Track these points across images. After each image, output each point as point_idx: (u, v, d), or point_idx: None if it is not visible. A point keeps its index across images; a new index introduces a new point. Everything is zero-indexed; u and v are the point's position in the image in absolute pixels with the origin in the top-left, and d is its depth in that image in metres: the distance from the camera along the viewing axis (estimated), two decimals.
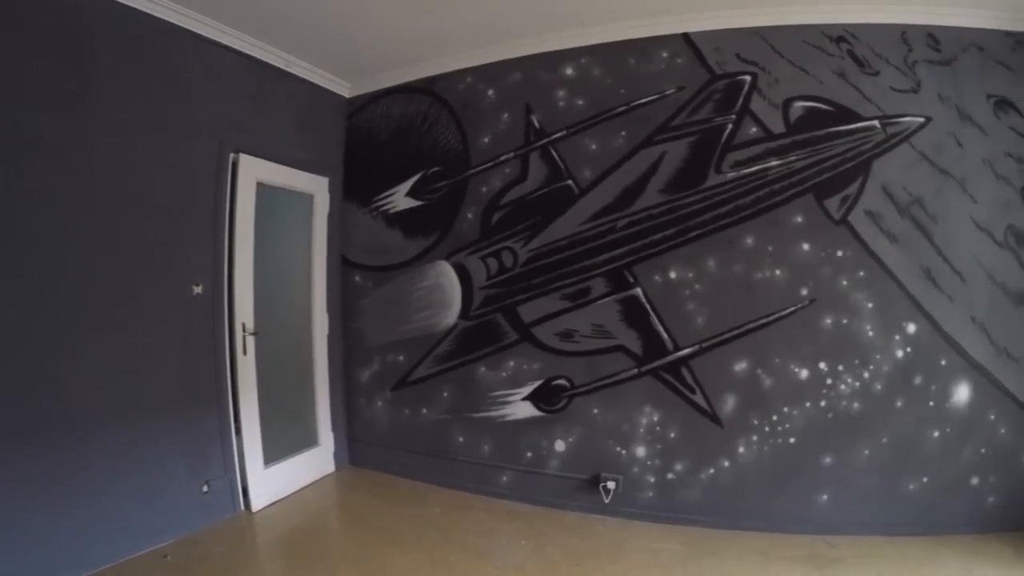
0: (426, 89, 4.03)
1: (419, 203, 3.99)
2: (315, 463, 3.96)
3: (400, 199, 4.05)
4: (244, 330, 3.38)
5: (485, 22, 3.44)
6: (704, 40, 3.37)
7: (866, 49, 3.22)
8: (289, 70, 3.83)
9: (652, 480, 3.42)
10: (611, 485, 3.43)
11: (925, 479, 3.16)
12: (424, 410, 3.95)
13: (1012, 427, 3.13)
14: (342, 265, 4.25)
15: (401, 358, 4.02)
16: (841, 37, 3.24)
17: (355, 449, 4.23)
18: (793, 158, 3.23)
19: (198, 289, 3.20)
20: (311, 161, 4.02)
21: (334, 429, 4.14)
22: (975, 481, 3.15)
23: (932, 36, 3.21)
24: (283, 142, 3.80)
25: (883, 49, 3.22)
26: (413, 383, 3.98)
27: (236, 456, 3.36)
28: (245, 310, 3.42)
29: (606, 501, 3.44)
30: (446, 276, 3.87)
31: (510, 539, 3.13)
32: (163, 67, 3.07)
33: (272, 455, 3.58)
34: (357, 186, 4.25)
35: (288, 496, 3.61)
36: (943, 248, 3.15)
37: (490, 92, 3.81)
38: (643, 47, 3.47)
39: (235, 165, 3.40)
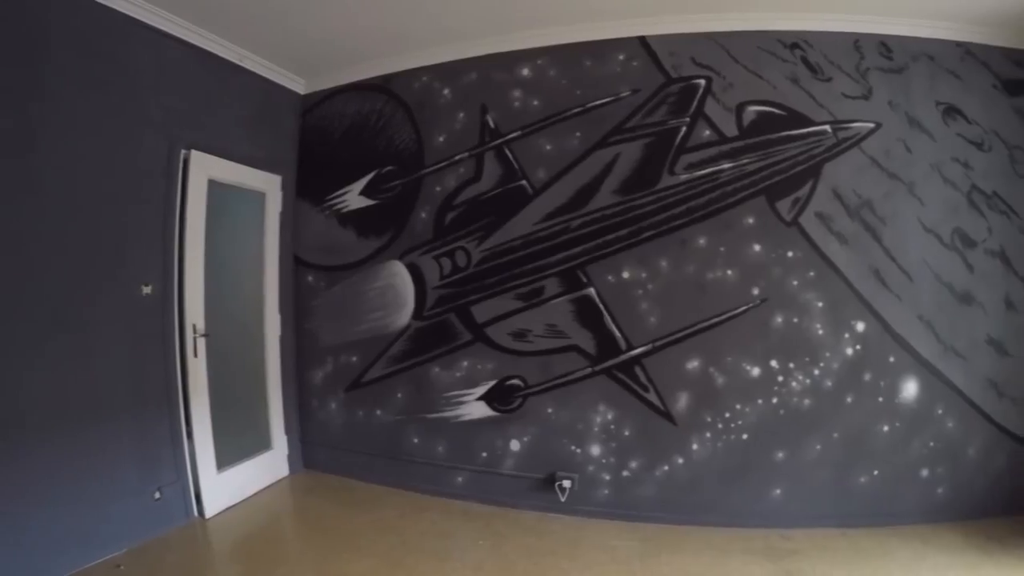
0: (381, 87, 3.96)
1: (372, 202, 3.92)
2: (269, 467, 3.86)
3: (353, 198, 3.98)
4: (195, 331, 3.28)
5: (442, 21, 3.39)
6: (660, 44, 3.41)
7: (819, 56, 3.32)
8: (243, 65, 3.70)
9: (608, 478, 3.43)
10: (567, 484, 3.43)
11: (876, 472, 3.26)
12: (378, 411, 3.88)
13: (959, 421, 3.27)
14: (294, 265, 4.13)
15: (354, 359, 3.95)
16: (795, 44, 3.33)
17: (309, 452, 4.13)
18: (746, 161, 3.31)
19: (147, 289, 3.08)
20: (264, 159, 3.89)
21: (287, 432, 4.03)
22: (925, 473, 3.28)
23: (884, 45, 3.34)
24: (235, 139, 3.67)
25: (836, 56, 3.32)
26: (367, 384, 3.91)
27: (188, 461, 3.24)
28: (196, 311, 3.31)
29: (562, 500, 3.44)
30: (399, 276, 3.81)
31: (467, 540, 3.10)
32: (113, 59, 2.91)
33: (225, 460, 3.46)
34: (310, 184, 4.13)
35: (242, 501, 3.50)
36: (891, 249, 3.27)
37: (446, 91, 3.78)
38: (599, 49, 3.48)
39: (186, 162, 3.28)
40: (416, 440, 3.79)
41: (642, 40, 3.43)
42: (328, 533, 3.15)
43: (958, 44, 3.38)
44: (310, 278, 4.10)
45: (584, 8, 3.30)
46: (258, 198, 3.95)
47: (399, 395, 3.82)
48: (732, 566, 2.84)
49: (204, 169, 3.41)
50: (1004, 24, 3.35)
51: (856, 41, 3.34)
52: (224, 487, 3.45)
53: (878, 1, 3.19)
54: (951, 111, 3.35)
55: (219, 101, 3.59)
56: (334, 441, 4.04)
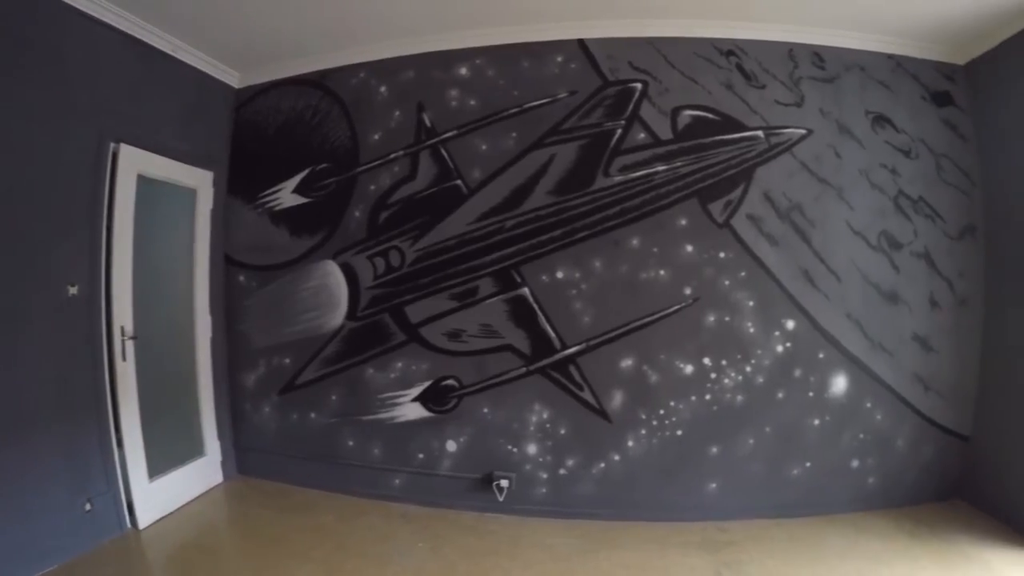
0: (318, 83, 3.96)
1: (306, 200, 3.94)
2: (202, 474, 3.83)
3: (287, 196, 3.99)
4: (123, 334, 3.24)
5: (381, 17, 3.42)
6: (599, 47, 3.55)
7: (754, 64, 3.53)
8: (176, 55, 3.64)
9: (545, 476, 3.55)
10: (504, 483, 3.54)
11: (808, 464, 3.51)
12: (312, 414, 3.90)
13: (887, 413, 3.55)
14: (225, 264, 4.10)
15: (287, 361, 3.96)
16: (731, 51, 3.53)
17: (243, 458, 4.11)
18: (679, 164, 3.49)
19: (73, 290, 3.01)
20: (195, 154, 3.85)
21: (220, 437, 4.01)
22: (855, 464, 3.55)
23: (818, 55, 3.57)
24: (167, 133, 3.62)
25: (770, 64, 3.53)
26: (300, 387, 3.92)
27: (119, 470, 3.18)
28: (124, 312, 3.27)
29: (500, 499, 3.55)
30: (333, 276, 3.83)
31: (407, 543, 3.16)
32: (40, 45, 2.81)
33: (157, 467, 3.42)
34: (243, 181, 4.10)
35: (176, 510, 3.46)
36: (820, 251, 3.51)
37: (382, 89, 3.83)
38: (538, 51, 3.59)
39: (115, 156, 3.21)
40: (352, 443, 3.83)
41: (581, 43, 3.57)
42: (265, 541, 3.16)
43: (889, 56, 3.64)
44: (242, 278, 4.11)
45: (524, 9, 3.40)
46: (189, 195, 3.91)
47: (333, 397, 3.86)
48: (671, 559, 3.01)
49: (133, 164, 3.36)
50: (934, 39, 3.61)
51: (790, 50, 3.57)
52: (157, 496, 3.42)
53: (813, 13, 3.39)
54: (880, 120, 3.62)
55: (151, 93, 3.53)
56: (268, 446, 4.04)
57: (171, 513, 3.46)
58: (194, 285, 3.96)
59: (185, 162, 3.80)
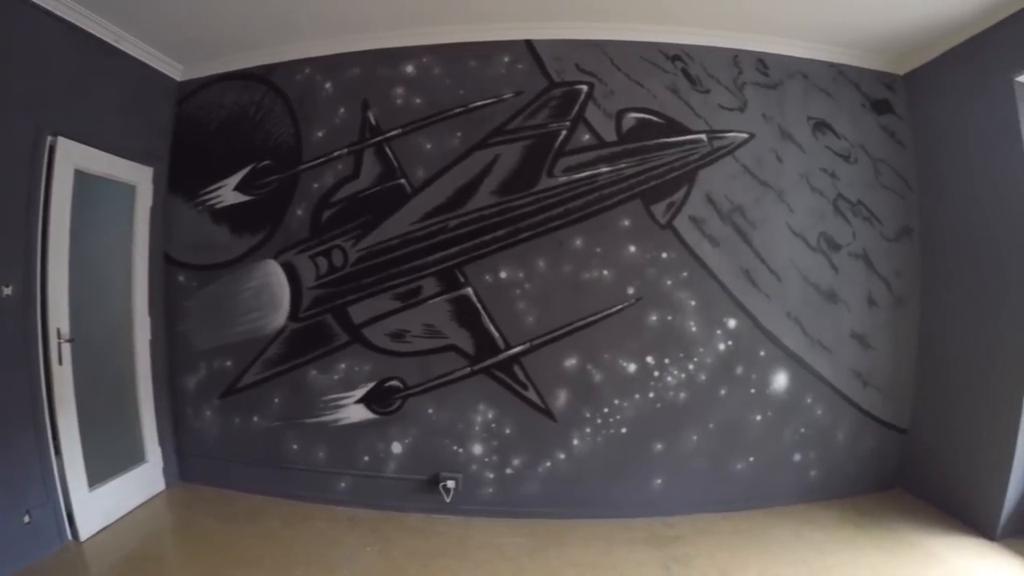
0: (262, 78, 4.00)
1: (248, 198, 3.97)
2: (144, 481, 3.82)
3: (228, 193, 4.02)
4: (59, 336, 3.21)
5: (328, 12, 3.49)
6: (546, 48, 3.69)
7: (699, 68, 3.72)
8: (118, 46, 3.61)
9: (491, 476, 3.67)
10: (451, 484, 3.64)
11: (751, 458, 3.73)
12: (255, 418, 3.94)
13: (827, 408, 3.81)
14: (165, 263, 4.12)
15: (229, 363, 4.00)
16: (677, 56, 3.72)
17: (185, 464, 4.12)
18: (623, 165, 3.67)
19: (7, 291, 2.98)
20: (135, 149, 3.84)
21: (161, 443, 4.00)
22: (797, 457, 3.80)
23: (762, 62, 3.79)
24: (106, 126, 3.59)
25: (715, 70, 3.73)
26: (242, 390, 3.96)
27: (58, 480, 3.14)
28: (60, 314, 3.23)
29: (447, 500, 3.65)
30: (274, 276, 3.88)
31: (355, 547, 3.21)
32: None
33: (97, 476, 3.39)
34: (183, 178, 4.11)
35: (118, 520, 3.45)
36: (761, 251, 3.73)
37: (328, 85, 3.89)
38: (485, 50, 3.70)
39: (52, 149, 3.18)
40: (296, 446, 3.90)
41: (528, 44, 3.71)
42: (211, 549, 3.17)
43: (831, 65, 3.90)
44: (181, 278, 4.12)
45: (472, 9, 3.50)
46: (128, 191, 3.90)
47: (276, 400, 3.90)
48: (619, 555, 3.14)
49: (71, 158, 3.32)
50: (875, 49, 3.87)
51: (735, 56, 3.78)
52: (98, 506, 3.38)
53: (758, 20, 3.58)
54: (821, 126, 3.87)
55: (91, 84, 3.48)
56: (211, 451, 4.07)
57: (113, 523, 3.45)
58: (133, 285, 3.95)
59: (124, 157, 3.80)
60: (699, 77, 3.74)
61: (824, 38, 3.77)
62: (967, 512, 3.44)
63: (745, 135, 3.76)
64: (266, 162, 3.97)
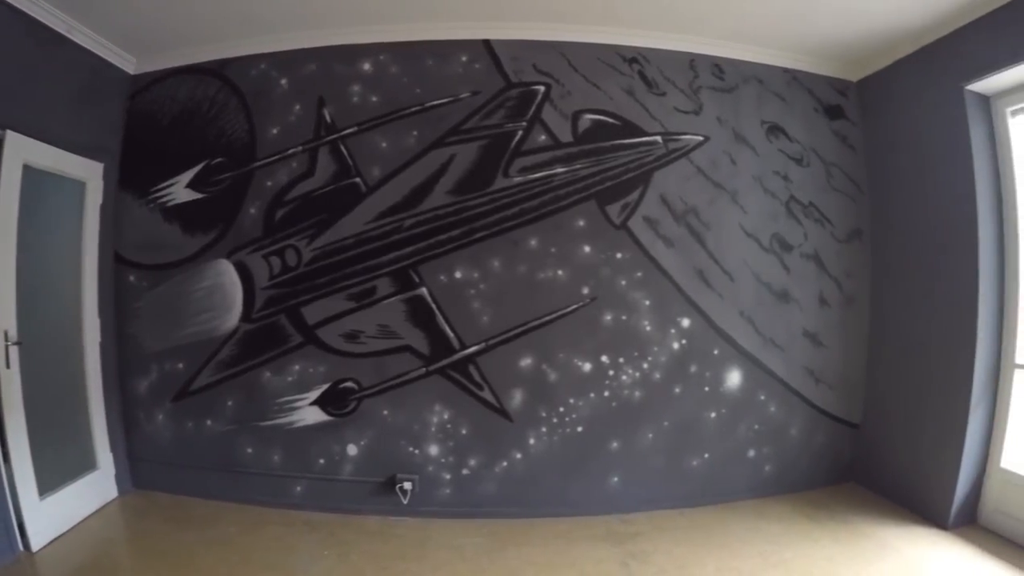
0: (217, 72, 3.97)
1: (200, 196, 3.94)
2: (96, 489, 3.76)
3: (180, 191, 3.99)
4: (6, 339, 3.14)
5: (285, 6, 3.49)
6: (504, 48, 3.74)
7: (656, 72, 3.83)
8: (70, 36, 3.54)
9: (448, 477, 3.71)
10: (408, 486, 3.67)
11: (706, 455, 3.85)
12: (208, 422, 3.91)
13: (780, 405, 3.95)
14: (115, 263, 4.07)
15: (181, 366, 3.95)
16: (634, 59, 3.81)
17: (138, 470, 4.07)
18: (579, 166, 3.74)
19: None
20: (86, 144, 3.77)
21: (113, 449, 3.94)
22: (752, 453, 3.93)
23: (718, 66, 3.91)
24: (56, 119, 3.52)
25: (672, 73, 3.84)
26: (195, 393, 3.92)
27: (7, 488, 3.07)
28: (7, 315, 3.17)
29: (404, 502, 3.68)
30: (227, 276, 3.86)
31: (312, 551, 3.21)
32: None
33: (47, 484, 3.32)
34: (135, 174, 4.06)
35: (71, 530, 3.38)
36: (715, 252, 3.85)
37: (283, 81, 3.89)
38: (443, 49, 3.74)
39: (0, 143, 3.12)
40: (250, 450, 3.88)
41: (486, 43, 3.76)
42: (166, 557, 3.12)
43: (786, 70, 4.05)
44: (132, 278, 4.07)
45: (431, 7, 3.54)
46: (78, 188, 3.83)
47: (230, 403, 3.88)
48: (578, 553, 3.19)
49: (19, 152, 3.25)
50: (829, 56, 4.02)
51: (692, 61, 3.90)
52: (49, 515, 3.30)
53: (715, 26, 3.69)
54: (775, 129, 4.01)
55: (42, 76, 3.40)
56: (164, 456, 4.02)
57: (66, 533, 3.37)
58: (82, 285, 3.88)
59: (75, 152, 3.71)
60: (655, 80, 3.84)
61: (779, 44, 3.90)
62: (919, 503, 3.59)
63: (700, 138, 3.88)
64: (219, 159, 3.95)
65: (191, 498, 3.91)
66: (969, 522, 3.36)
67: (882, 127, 4.05)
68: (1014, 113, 3.33)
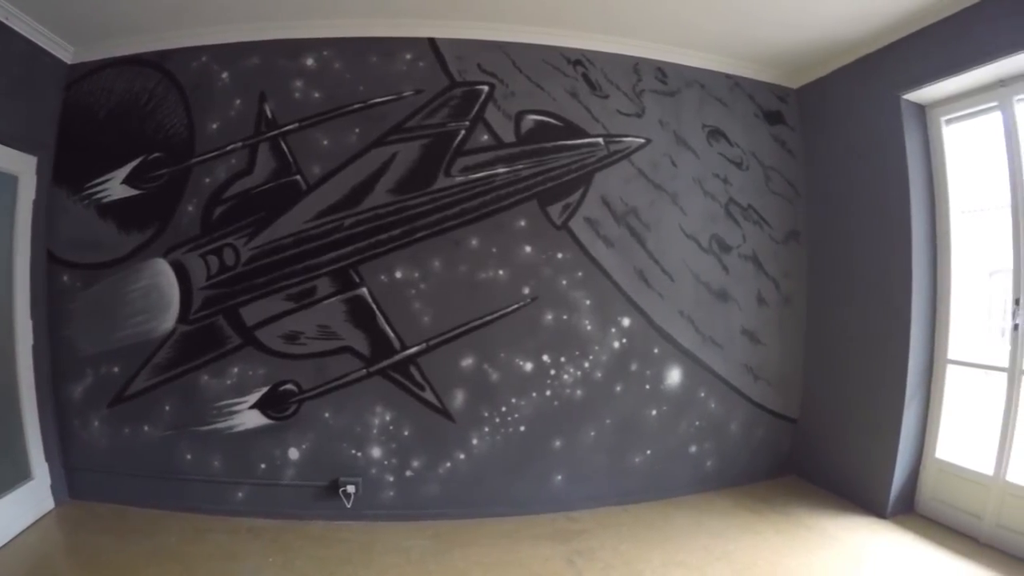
0: (156, 64, 3.64)
1: (137, 192, 3.62)
2: (31, 501, 3.40)
3: (116, 187, 3.65)
4: None
5: None
6: (449, 47, 3.52)
7: (599, 74, 3.66)
8: (7, 23, 3.23)
9: (391, 479, 3.47)
10: (351, 489, 3.42)
11: (649, 452, 3.71)
12: (146, 427, 3.59)
13: (720, 401, 3.84)
14: (48, 262, 3.71)
15: (116, 369, 3.62)
16: (578, 61, 3.63)
17: (75, 479, 3.70)
18: (520, 166, 3.54)
19: None
20: (19, 136, 3.41)
21: (48, 458, 3.57)
22: (693, 449, 3.81)
23: (661, 70, 3.77)
24: None
25: (615, 76, 3.68)
26: (131, 397, 3.60)
27: None
28: None
29: (348, 506, 3.43)
30: (163, 275, 3.55)
31: (256, 559, 2.98)
32: None
33: None
34: (70, 169, 3.70)
35: (5, 545, 3.04)
36: (655, 252, 3.71)
37: (224, 75, 3.57)
38: (388, 46, 3.50)
39: None
40: (189, 456, 3.56)
41: (431, 42, 3.53)
42: (106, 570, 2.85)
43: (728, 76, 3.93)
44: (66, 278, 3.69)
45: (377, 3, 3.32)
46: (9, 182, 3.46)
47: (167, 408, 3.56)
48: (524, 552, 3.04)
49: None
50: (770, 63, 3.92)
51: (636, 64, 3.74)
52: None
53: (659, 31, 3.55)
54: (716, 133, 3.89)
55: None
56: (101, 464, 3.67)
57: (0, 548, 3.03)
58: (13, 285, 3.51)
59: (6, 144, 3.36)
60: (599, 82, 3.68)
61: (722, 51, 3.78)
62: (858, 494, 3.55)
63: (642, 140, 3.73)
64: (157, 154, 3.60)
65: (130, 507, 3.56)
66: (907, 510, 3.35)
67: (820, 133, 3.98)
68: (948, 122, 3.34)
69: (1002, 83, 3.01)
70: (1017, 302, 2.99)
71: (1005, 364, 2.98)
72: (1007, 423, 2.93)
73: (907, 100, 3.34)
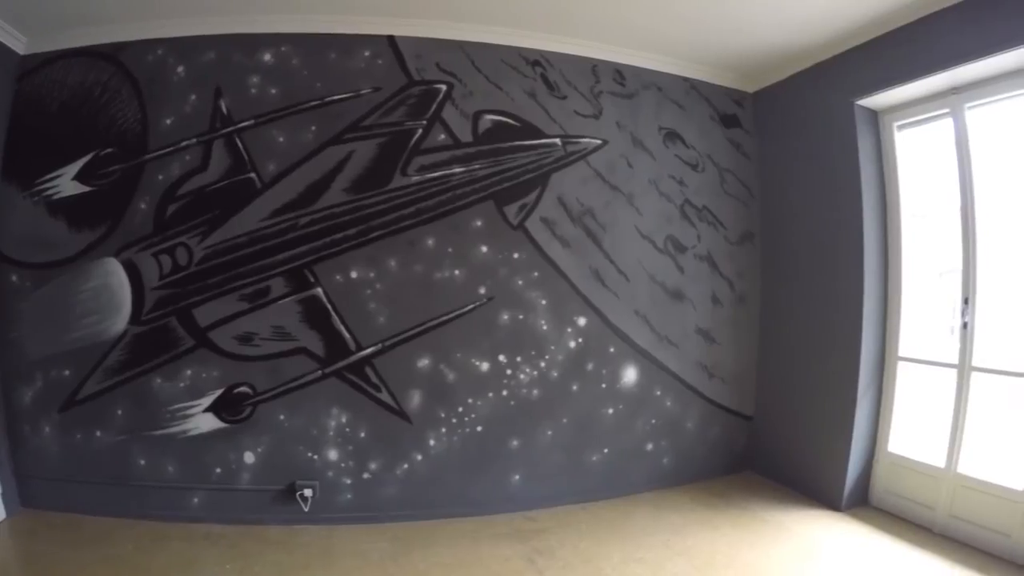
0: (111, 56, 3.36)
1: (88, 189, 3.34)
2: None
3: (67, 183, 3.35)
4: None
5: None
6: (408, 45, 3.33)
7: (558, 75, 3.49)
8: None
9: (349, 482, 3.27)
10: (308, 492, 3.21)
11: (606, 450, 3.56)
12: (98, 433, 3.30)
13: (676, 399, 3.70)
14: None
15: (67, 373, 3.33)
16: (537, 61, 3.46)
17: (26, 488, 3.38)
18: (477, 166, 3.35)
19: None
20: None
21: None
22: (650, 447, 3.66)
23: (619, 72, 3.62)
24: None
25: (573, 77, 3.52)
26: (82, 401, 3.31)
27: None
28: None
29: (306, 509, 3.21)
30: (115, 275, 3.28)
31: (214, 566, 2.77)
32: None
33: None
34: (20, 164, 3.42)
35: None
36: (611, 252, 3.56)
37: (180, 69, 3.31)
38: (346, 43, 3.29)
39: None
40: (143, 461, 3.29)
41: (391, 40, 3.33)
42: None
43: (685, 79, 3.79)
44: (14, 277, 3.40)
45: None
46: None
47: (120, 412, 3.29)
48: (484, 552, 2.88)
49: None
50: (727, 68, 3.81)
51: (594, 66, 3.58)
52: None
53: (618, 33, 3.41)
54: (672, 136, 3.74)
55: None
56: (53, 472, 3.36)
57: None
58: None
59: None
60: (557, 83, 3.51)
61: (680, 55, 3.65)
62: (813, 488, 3.47)
63: (599, 141, 3.58)
64: (109, 150, 3.33)
65: (84, 516, 3.26)
66: (861, 503, 3.29)
67: (776, 136, 3.88)
68: (900, 127, 3.30)
69: (954, 91, 2.97)
70: (966, 301, 2.96)
71: (955, 360, 2.95)
72: (957, 417, 2.91)
73: (861, 106, 3.29)
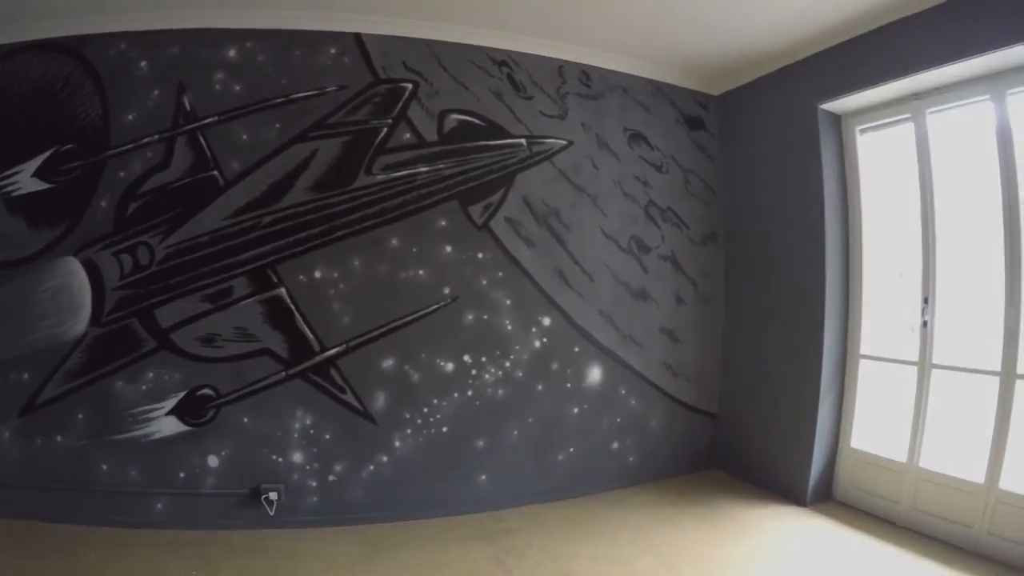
0: (72, 50, 3.13)
1: (48, 186, 3.11)
2: None
3: (26, 180, 3.12)
4: None
5: None
6: (375, 43, 3.16)
7: (524, 76, 3.34)
8: None
9: (314, 484, 3.08)
10: (273, 496, 3.01)
11: (572, 449, 3.41)
12: (59, 437, 3.07)
13: (640, 398, 3.57)
14: None
15: (26, 376, 3.09)
16: (504, 62, 3.31)
17: None
18: (442, 166, 3.18)
19: None
20: None
21: None
22: (615, 445, 3.52)
23: (585, 73, 3.48)
24: None
25: (540, 78, 3.38)
26: (42, 406, 3.08)
27: None
28: None
29: (271, 513, 3.01)
30: (75, 275, 3.06)
31: (180, 573, 2.59)
32: None
33: None
34: None
35: None
36: (575, 253, 3.42)
37: (143, 64, 3.09)
38: (312, 40, 3.11)
39: None
40: (105, 467, 3.06)
41: (357, 37, 3.14)
42: None
43: (650, 81, 3.66)
44: None
45: None
46: None
47: (80, 416, 3.06)
48: (452, 553, 2.73)
49: None
50: (692, 70, 3.69)
51: (561, 67, 3.44)
52: None
53: (584, 34, 3.27)
54: (637, 137, 3.61)
55: None
56: (13, 479, 3.11)
57: None
58: None
59: None
60: (524, 84, 3.37)
61: (646, 57, 3.52)
62: (778, 484, 3.37)
63: (564, 142, 3.43)
64: (69, 146, 3.09)
65: (46, 523, 3.02)
66: (826, 498, 3.22)
67: (739, 139, 3.77)
68: (863, 131, 3.23)
69: (916, 96, 2.91)
70: (926, 300, 2.90)
71: (915, 358, 2.93)
72: (918, 413, 2.89)
73: (824, 110, 3.22)
